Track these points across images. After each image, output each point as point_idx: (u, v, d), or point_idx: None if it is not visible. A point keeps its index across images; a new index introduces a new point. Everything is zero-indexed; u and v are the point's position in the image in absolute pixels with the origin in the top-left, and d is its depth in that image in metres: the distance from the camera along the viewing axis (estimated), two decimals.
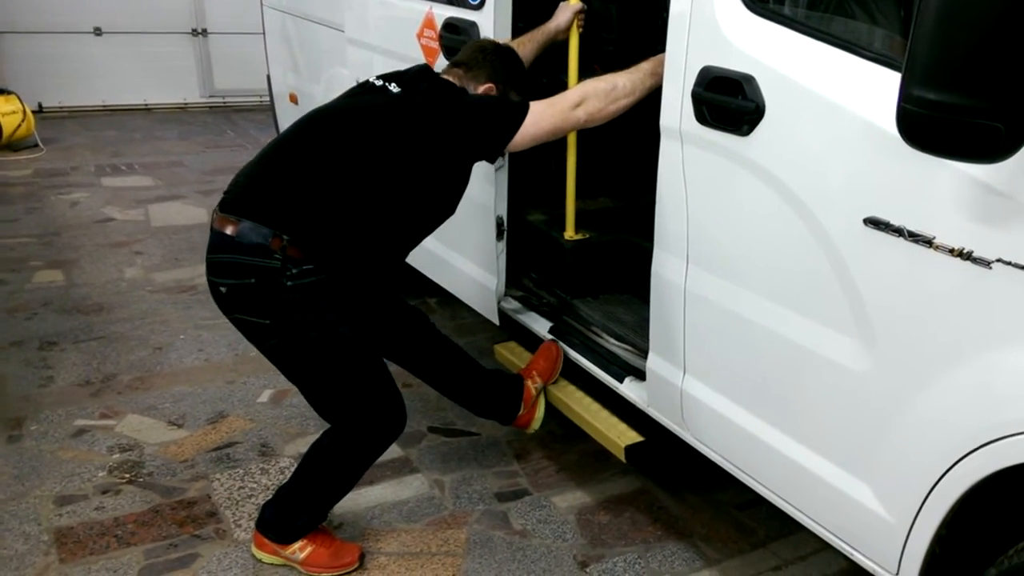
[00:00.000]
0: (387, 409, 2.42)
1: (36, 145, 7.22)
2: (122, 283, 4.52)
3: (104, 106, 8.67)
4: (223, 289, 2.28)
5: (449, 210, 2.53)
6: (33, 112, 7.40)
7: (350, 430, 2.42)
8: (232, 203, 2.29)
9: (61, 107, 8.47)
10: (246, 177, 2.35)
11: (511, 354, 3.19)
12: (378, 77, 2.45)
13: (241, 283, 2.23)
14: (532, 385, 2.91)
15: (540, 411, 2.95)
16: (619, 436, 2.66)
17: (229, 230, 2.23)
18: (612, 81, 2.37)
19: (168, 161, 7.03)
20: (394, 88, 2.38)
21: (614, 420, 2.74)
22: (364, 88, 2.48)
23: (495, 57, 2.49)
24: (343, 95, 2.53)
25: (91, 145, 7.45)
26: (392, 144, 2.28)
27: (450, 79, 2.43)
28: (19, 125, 7.04)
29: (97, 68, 8.50)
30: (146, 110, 8.84)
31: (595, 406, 2.82)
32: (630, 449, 2.61)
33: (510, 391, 2.90)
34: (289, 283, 2.19)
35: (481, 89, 2.43)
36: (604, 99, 2.35)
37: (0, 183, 6.26)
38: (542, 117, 2.32)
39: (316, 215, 2.25)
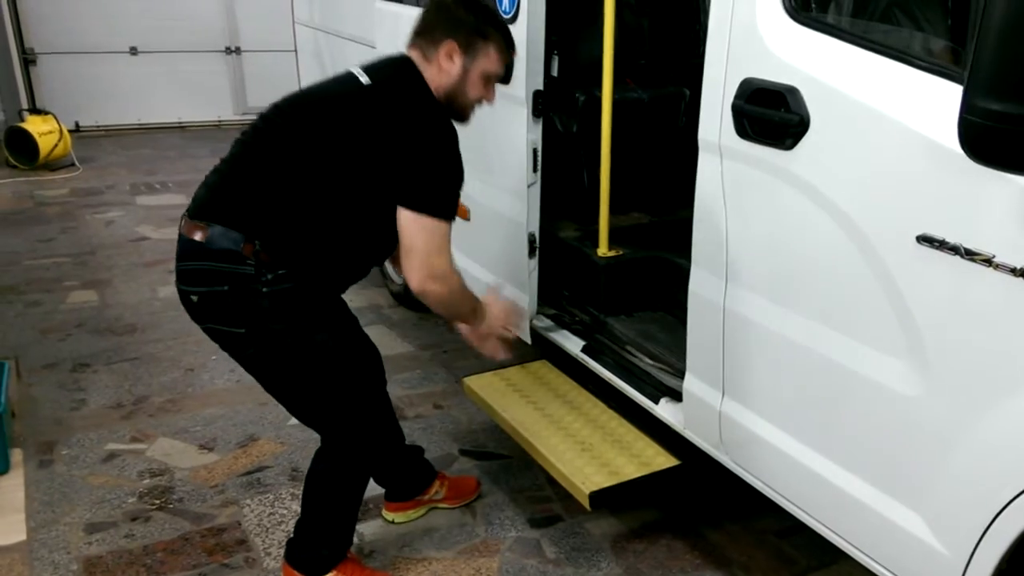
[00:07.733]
0: (370, 416, 2.37)
1: (72, 164, 7.31)
2: (155, 303, 4.52)
3: (139, 125, 8.78)
4: (194, 298, 2.19)
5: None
6: (70, 131, 7.50)
7: (337, 441, 2.37)
8: (202, 208, 2.20)
9: (97, 126, 8.59)
10: (215, 178, 2.26)
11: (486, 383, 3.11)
12: (359, 66, 2.29)
13: (214, 291, 2.14)
14: (433, 491, 2.83)
15: (413, 515, 2.82)
16: (583, 482, 2.49)
17: (198, 236, 2.14)
18: (460, 299, 2.32)
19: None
20: (364, 80, 2.22)
21: (580, 463, 2.59)
22: (337, 78, 2.33)
23: (453, 6, 2.27)
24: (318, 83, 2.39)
25: (126, 164, 7.53)
26: (345, 141, 2.15)
27: (414, 57, 2.27)
28: (56, 144, 7.13)
29: (132, 87, 8.62)
30: (180, 128, 8.92)
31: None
32: (594, 495, 2.46)
33: (420, 473, 2.82)
34: (264, 289, 2.11)
35: (443, 51, 2.23)
36: (448, 297, 2.26)
37: (37, 203, 6.34)
38: (433, 231, 2.15)
39: (281, 218, 2.16)
